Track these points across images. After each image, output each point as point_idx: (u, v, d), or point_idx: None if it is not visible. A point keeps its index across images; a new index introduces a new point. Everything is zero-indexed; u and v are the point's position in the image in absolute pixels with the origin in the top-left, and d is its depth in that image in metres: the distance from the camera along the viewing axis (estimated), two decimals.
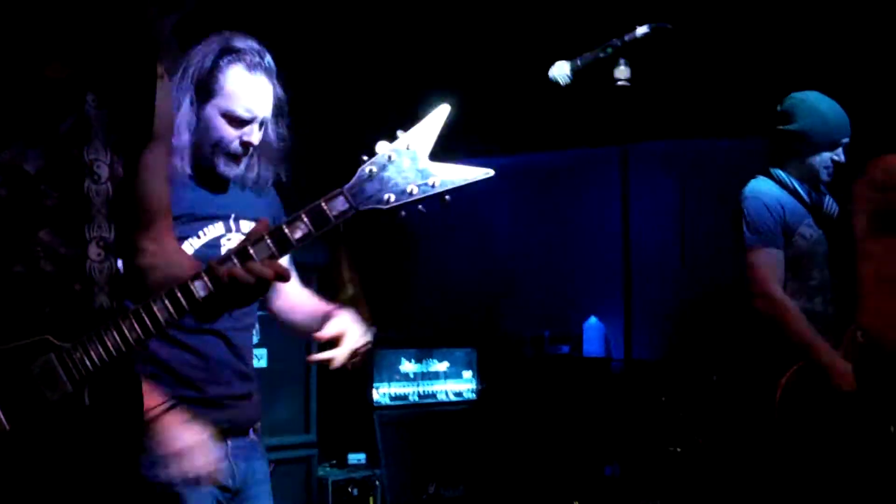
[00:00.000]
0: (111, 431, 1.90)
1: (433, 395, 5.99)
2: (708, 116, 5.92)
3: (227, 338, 2.92)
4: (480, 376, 6.26)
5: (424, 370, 5.97)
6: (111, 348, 1.84)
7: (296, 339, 4.81)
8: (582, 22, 4.97)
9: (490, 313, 7.41)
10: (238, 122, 2.89)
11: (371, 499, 5.32)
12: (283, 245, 1.89)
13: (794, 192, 4.13)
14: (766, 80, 5.28)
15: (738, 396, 4.37)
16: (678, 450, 5.51)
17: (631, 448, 5.36)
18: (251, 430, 3.01)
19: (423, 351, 6.02)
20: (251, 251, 1.88)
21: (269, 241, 1.88)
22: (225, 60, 2.88)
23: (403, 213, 1.94)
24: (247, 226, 3.00)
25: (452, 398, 6.01)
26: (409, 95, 6.82)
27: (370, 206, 1.90)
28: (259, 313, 3.21)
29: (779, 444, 3.90)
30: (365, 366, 5.92)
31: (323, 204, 1.89)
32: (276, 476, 4.16)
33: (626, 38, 3.12)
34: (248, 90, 2.89)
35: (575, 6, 5.60)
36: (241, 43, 2.92)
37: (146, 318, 1.86)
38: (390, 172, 1.91)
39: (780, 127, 4.18)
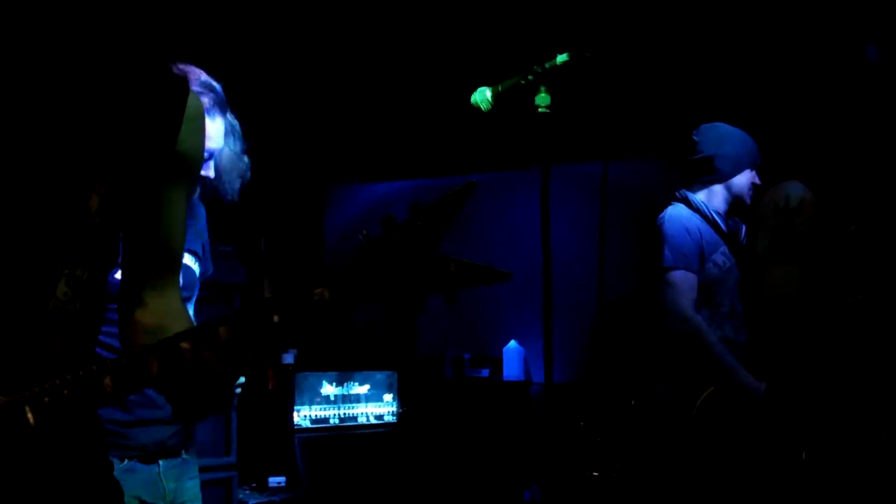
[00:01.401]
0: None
1: (354, 418, 5.99)
2: (626, 139, 6.01)
3: None
4: (401, 399, 6.28)
5: (345, 393, 5.97)
6: (46, 408, 1.59)
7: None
8: (503, 49, 5.04)
9: (410, 336, 7.43)
10: None
11: None
12: (256, 332, 1.57)
13: (710, 220, 4.19)
14: (678, 103, 5.40)
15: (655, 419, 4.43)
16: (595, 474, 5.56)
17: (550, 472, 5.40)
18: (183, 451, 2.99)
19: (343, 374, 6.02)
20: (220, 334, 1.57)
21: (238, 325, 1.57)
22: None
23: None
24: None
25: (373, 421, 6.01)
26: (333, 117, 6.90)
27: (359, 301, 1.59)
28: None
29: (694, 464, 3.96)
30: (285, 388, 5.93)
31: (305, 290, 1.56)
32: None
33: (547, 65, 3.18)
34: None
35: (497, 33, 5.68)
36: (197, 86, 2.89)
37: (92, 386, 1.59)
38: (390, 259, 1.56)
39: (693, 157, 4.27)
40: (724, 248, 4.15)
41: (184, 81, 1.91)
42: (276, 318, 1.54)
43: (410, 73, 6.30)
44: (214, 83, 2.95)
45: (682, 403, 3.97)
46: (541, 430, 6.36)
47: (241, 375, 1.61)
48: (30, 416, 1.58)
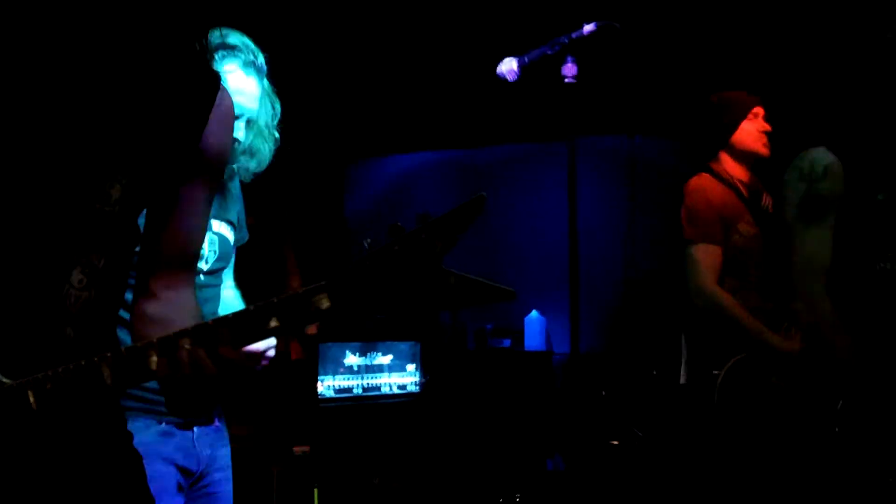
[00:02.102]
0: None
1: (377, 388, 6.01)
2: (654, 113, 5.99)
3: None
4: (424, 369, 6.30)
5: (368, 363, 5.99)
6: (48, 394, 1.60)
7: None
8: (530, 19, 5.01)
9: None
10: None
11: (315, 491, 5.33)
12: (253, 334, 1.58)
13: (733, 188, 4.19)
14: (705, 77, 5.38)
15: (677, 390, 4.43)
16: (616, 443, 5.58)
17: (572, 441, 5.41)
18: (216, 418, 3.02)
19: (367, 344, 6.03)
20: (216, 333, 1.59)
21: (236, 327, 1.58)
22: (219, 55, 2.87)
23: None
24: (217, 225, 3.00)
25: (396, 391, 6.03)
26: (355, 88, 6.87)
27: (357, 311, 1.55)
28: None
29: (717, 436, 3.96)
30: (310, 358, 5.95)
31: (302, 295, 1.54)
32: None
33: (574, 35, 3.17)
34: (238, 86, 2.85)
35: (523, 3, 5.65)
36: (236, 40, 2.89)
37: (92, 377, 1.60)
38: (392, 271, 1.51)
39: (695, 134, 4.30)
40: (747, 217, 4.14)
41: (216, 77, 1.88)
42: (273, 324, 1.54)
43: (434, 42, 6.27)
44: (259, 51, 2.95)
45: (704, 374, 3.97)
46: (563, 399, 6.38)
47: (235, 376, 1.61)
48: (32, 400, 1.59)
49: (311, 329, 5.69)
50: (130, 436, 1.89)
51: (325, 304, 1.51)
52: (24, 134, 1.69)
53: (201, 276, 2.92)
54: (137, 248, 1.89)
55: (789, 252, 3.60)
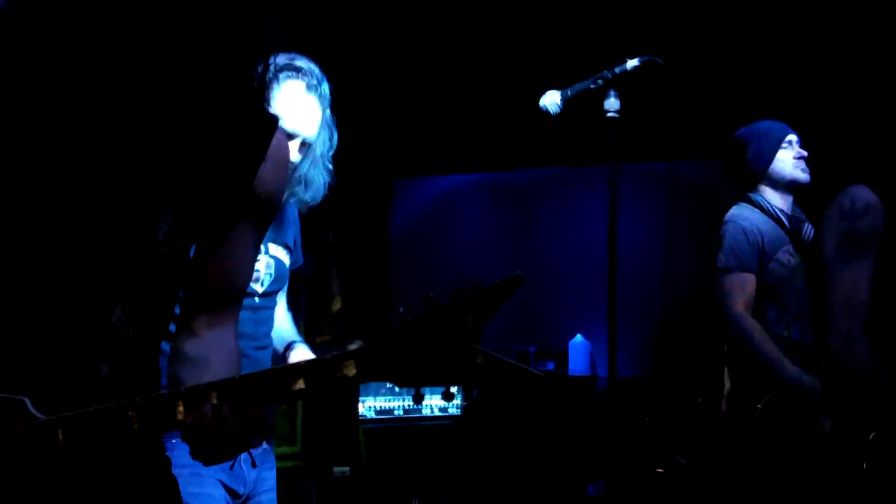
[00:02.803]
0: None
1: (418, 410, 6.01)
2: (694, 139, 5.97)
3: (247, 356, 2.89)
4: (466, 392, 6.28)
5: None
6: (77, 434, 1.61)
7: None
8: (573, 53, 5.03)
9: None
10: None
11: None
12: (279, 395, 1.58)
13: (775, 218, 4.16)
14: (747, 105, 5.36)
15: (719, 419, 4.39)
16: (660, 471, 5.54)
17: (614, 467, 5.38)
18: (264, 441, 3.03)
19: None
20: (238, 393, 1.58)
21: (262, 386, 1.58)
22: (283, 75, 2.89)
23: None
24: (273, 249, 3.03)
25: (437, 413, 6.03)
26: (402, 110, 6.91)
27: (384, 380, 1.55)
28: None
29: (755, 467, 3.93)
30: None
31: (329, 361, 1.55)
32: None
33: (617, 70, 3.17)
34: (298, 107, 2.88)
35: (567, 37, 5.67)
36: (303, 63, 2.93)
37: (120, 421, 1.60)
38: (420, 344, 1.50)
39: (733, 167, 4.29)
40: (788, 247, 4.10)
41: (273, 120, 1.85)
42: (299, 386, 1.55)
43: (480, 68, 6.30)
44: (325, 79, 2.97)
45: (745, 406, 3.94)
46: (606, 425, 6.34)
47: (255, 436, 1.63)
48: (60, 437, 1.60)
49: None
50: (168, 462, 1.88)
51: (352, 371, 1.52)
52: (72, 169, 1.68)
53: (256, 299, 2.95)
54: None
55: (827, 291, 3.56)
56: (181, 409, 1.59)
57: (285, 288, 3.14)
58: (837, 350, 3.50)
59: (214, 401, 1.58)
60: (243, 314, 2.30)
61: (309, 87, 2.91)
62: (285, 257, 3.07)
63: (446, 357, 1.49)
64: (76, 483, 1.68)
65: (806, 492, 3.79)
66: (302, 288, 4.91)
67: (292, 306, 3.29)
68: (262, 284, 2.95)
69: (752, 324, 3.98)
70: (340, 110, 3.12)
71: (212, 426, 1.58)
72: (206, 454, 1.64)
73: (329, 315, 5.64)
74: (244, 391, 1.58)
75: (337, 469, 5.48)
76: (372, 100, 6.46)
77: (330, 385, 1.54)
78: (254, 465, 2.19)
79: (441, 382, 1.54)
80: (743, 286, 4.04)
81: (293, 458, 5.08)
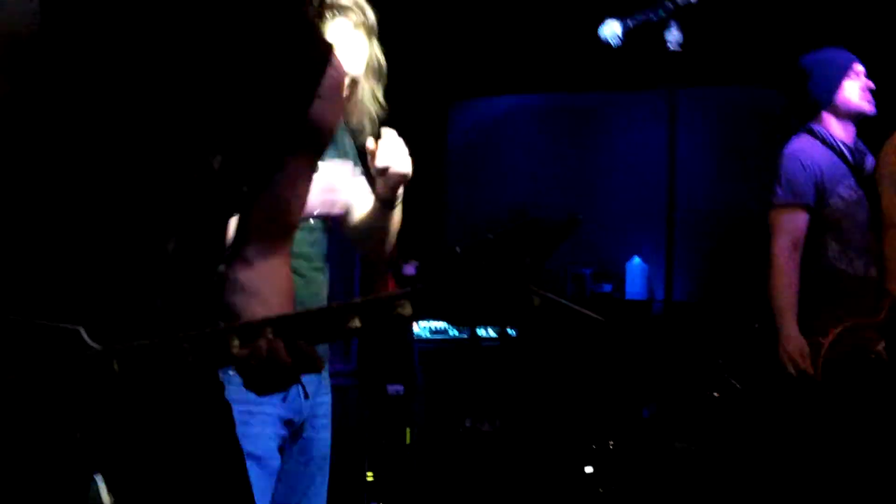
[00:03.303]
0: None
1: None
2: (755, 66, 5.85)
3: (303, 275, 2.91)
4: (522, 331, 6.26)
5: None
6: (132, 363, 1.63)
7: (339, 271, 4.85)
8: None
9: None
10: None
11: (408, 430, 5.39)
12: (333, 332, 1.61)
13: (837, 151, 4.06)
14: (812, 35, 5.23)
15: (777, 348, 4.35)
16: (716, 395, 5.51)
17: (669, 391, 5.37)
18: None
19: None
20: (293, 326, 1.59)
21: (318, 322, 1.59)
22: (329, 14, 2.86)
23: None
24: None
25: (492, 334, 6.03)
26: (457, 30, 6.84)
27: (438, 318, 1.60)
28: None
29: (818, 404, 3.89)
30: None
31: (385, 300, 1.55)
32: None
33: (680, 1, 3.10)
34: (346, 45, 2.85)
35: None
36: (349, 1, 2.90)
37: (174, 354, 1.62)
38: (476, 284, 1.48)
39: (795, 97, 4.18)
40: (850, 181, 4.02)
41: (328, 47, 1.84)
42: (355, 324, 1.55)
43: None
44: (369, 10, 2.93)
45: (808, 340, 3.90)
46: (661, 348, 6.32)
47: (307, 372, 1.63)
48: (116, 367, 1.61)
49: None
50: (222, 386, 1.90)
51: (408, 310, 1.52)
52: (125, 101, 1.67)
53: (311, 220, 2.94)
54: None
55: (885, 236, 3.48)
56: (236, 343, 1.60)
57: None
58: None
59: (270, 336, 1.58)
60: (299, 234, 2.29)
61: (356, 24, 2.89)
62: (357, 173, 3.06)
63: (502, 297, 1.47)
64: (132, 412, 1.70)
65: (870, 436, 3.76)
66: None
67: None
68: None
69: (784, 266, 3.94)
70: (396, 35, 3.09)
71: (266, 361, 1.59)
72: (260, 386, 1.66)
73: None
74: (299, 328, 1.59)
75: (391, 387, 5.51)
76: (428, 19, 6.40)
77: (384, 323, 1.54)
78: (306, 396, 2.21)
79: (497, 323, 1.52)
80: (794, 225, 3.99)
81: (348, 376, 5.09)
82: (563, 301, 1.48)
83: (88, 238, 1.68)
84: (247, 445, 1.94)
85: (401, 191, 2.97)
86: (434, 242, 7.01)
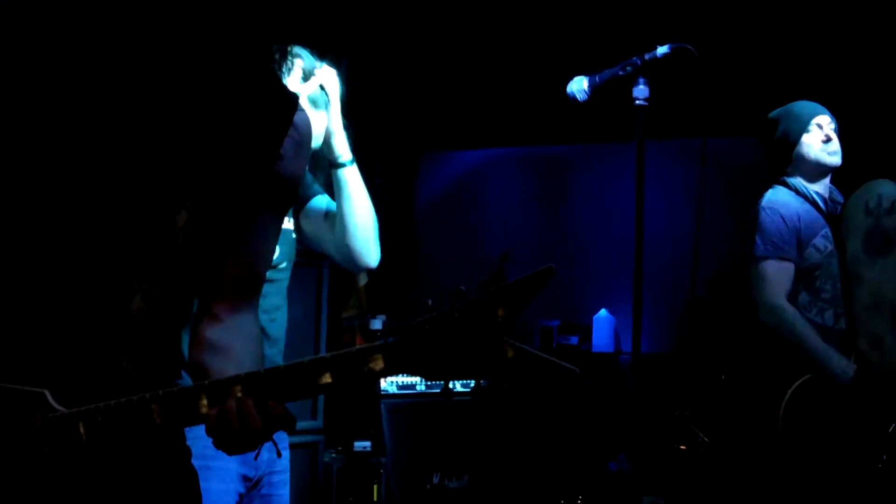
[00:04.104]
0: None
1: (440, 386, 5.97)
2: (725, 116, 5.91)
3: (262, 328, 2.85)
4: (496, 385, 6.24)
5: None
6: (99, 426, 1.59)
7: (304, 328, 4.82)
8: (602, 39, 4.98)
9: None
10: None
11: (375, 486, 5.34)
12: (304, 389, 1.57)
13: (811, 201, 4.07)
14: (777, 86, 5.30)
15: (744, 400, 4.35)
16: (683, 448, 5.51)
17: (636, 444, 5.37)
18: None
19: None
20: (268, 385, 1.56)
21: (288, 379, 1.56)
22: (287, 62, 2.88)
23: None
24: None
25: (459, 389, 6.00)
26: (428, 83, 6.86)
27: (410, 373, 1.52)
28: None
29: (781, 453, 3.88)
30: None
31: (356, 354, 1.53)
32: None
33: (647, 57, 3.11)
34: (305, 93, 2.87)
35: (596, 22, 5.62)
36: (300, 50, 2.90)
37: (142, 414, 1.58)
38: (449, 338, 1.47)
39: (766, 150, 4.22)
40: (825, 231, 4.01)
41: (293, 99, 1.82)
42: (326, 380, 1.53)
43: (510, 44, 6.26)
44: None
45: (773, 391, 3.88)
46: (629, 400, 6.31)
47: (279, 430, 1.61)
48: (82, 431, 1.58)
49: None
50: (188, 452, 1.87)
51: (380, 365, 1.50)
52: (88, 157, 1.65)
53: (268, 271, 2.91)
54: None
55: (852, 290, 3.47)
56: (205, 402, 1.57)
57: (292, 262, 3.09)
58: (865, 350, 3.42)
59: (239, 394, 1.56)
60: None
61: (311, 101, 2.91)
62: (291, 226, 3.05)
63: (476, 351, 1.46)
64: (97, 476, 1.67)
65: (828, 480, 3.75)
66: (324, 263, 4.88)
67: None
68: None
69: (794, 314, 3.91)
70: (369, 84, 3.10)
71: (236, 420, 1.56)
72: (231, 446, 1.62)
73: (354, 291, 5.61)
74: (269, 385, 1.56)
75: (358, 444, 5.47)
76: (400, 74, 6.42)
77: (357, 379, 1.52)
78: (279, 454, 2.18)
79: (470, 376, 1.51)
80: (781, 274, 3.97)
81: (314, 433, 5.05)
82: (537, 352, 1.46)
83: (52, 298, 1.66)
84: (206, 501, 1.91)
85: (342, 141, 2.99)
86: (403, 295, 7.00)
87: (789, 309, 3.92)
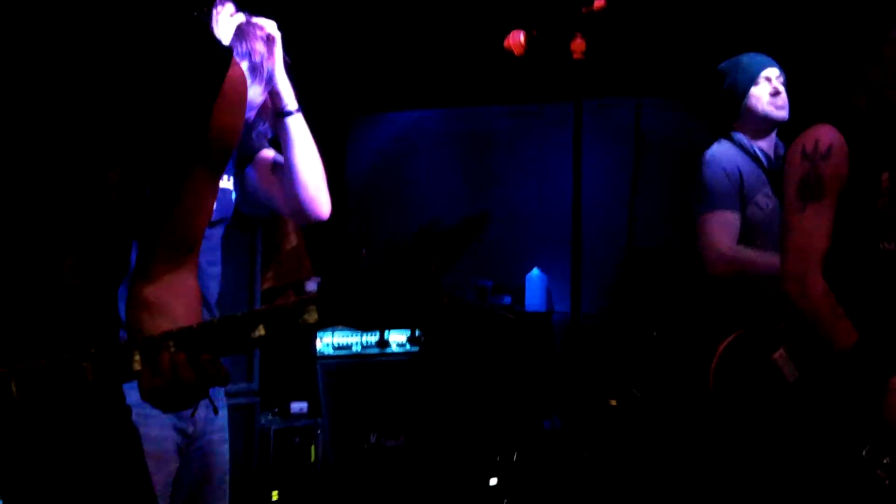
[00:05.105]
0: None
1: (375, 347, 5.99)
2: (662, 76, 5.93)
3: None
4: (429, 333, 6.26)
5: None
6: (32, 384, 1.58)
7: (240, 285, 4.79)
8: None
9: None
10: None
11: (312, 448, 5.34)
12: (238, 343, 1.56)
13: (753, 157, 4.09)
14: (717, 44, 5.31)
15: (676, 355, 4.39)
16: (613, 403, 5.58)
17: (569, 401, 5.41)
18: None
19: None
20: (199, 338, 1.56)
21: (221, 333, 1.55)
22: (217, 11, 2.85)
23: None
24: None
25: (395, 349, 6.01)
26: (357, 44, 6.81)
27: (345, 325, 1.52)
28: None
29: (711, 408, 3.92)
30: None
31: (290, 307, 1.52)
32: None
33: (583, 10, 3.11)
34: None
35: None
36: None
37: (74, 372, 1.57)
38: (383, 288, 1.46)
39: (710, 100, 4.22)
40: (767, 189, 4.04)
41: (225, 54, 1.79)
42: (259, 333, 1.51)
43: (445, 9, 6.22)
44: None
45: (705, 346, 3.91)
46: (561, 359, 6.37)
47: (213, 385, 1.60)
48: (14, 389, 1.57)
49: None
50: (129, 410, 1.86)
51: (314, 317, 1.49)
52: (19, 116, 1.62)
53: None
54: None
55: (783, 233, 3.49)
56: (137, 359, 1.56)
57: (226, 224, 3.07)
58: (792, 292, 3.43)
59: (172, 349, 1.55)
60: None
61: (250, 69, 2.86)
62: (230, 185, 3.03)
63: (410, 300, 1.44)
64: (33, 434, 1.67)
65: (765, 436, 3.79)
66: (258, 228, 4.85)
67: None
68: None
69: (749, 253, 3.92)
70: (298, 44, 3.08)
71: (169, 376, 1.55)
72: (164, 403, 1.61)
73: (282, 253, 5.58)
74: (202, 340, 1.55)
75: (294, 405, 5.46)
76: (328, 34, 6.37)
77: (291, 331, 1.51)
78: (216, 411, 2.17)
79: (405, 326, 1.50)
80: (728, 224, 3.97)
81: (250, 395, 5.03)
82: (472, 301, 1.46)
83: None
84: (145, 445, 1.90)
85: (287, 89, 2.98)
86: (335, 259, 6.97)
87: (744, 250, 3.93)
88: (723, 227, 3.98)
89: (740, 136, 4.13)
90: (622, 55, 5.01)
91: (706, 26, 5.75)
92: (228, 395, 4.83)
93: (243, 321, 1.52)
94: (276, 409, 5.44)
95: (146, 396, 1.61)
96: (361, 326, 1.50)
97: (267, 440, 5.15)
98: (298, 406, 5.47)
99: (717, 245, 3.96)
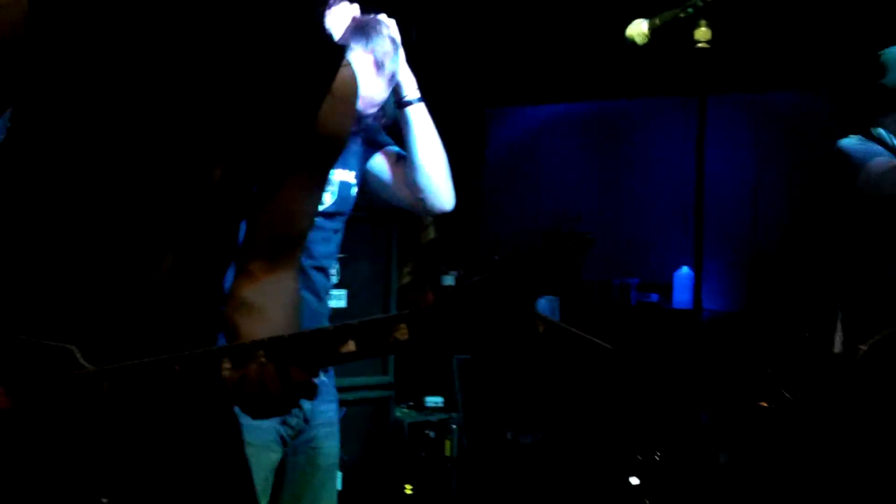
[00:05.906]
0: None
1: None
2: (786, 70, 5.74)
3: (304, 271, 2.85)
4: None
5: None
6: (123, 385, 1.59)
7: (376, 280, 4.83)
8: None
9: None
10: None
11: (447, 442, 5.33)
12: (328, 356, 1.53)
13: (894, 152, 3.89)
14: (844, 36, 5.09)
15: (828, 358, 4.22)
16: (764, 405, 5.43)
17: (718, 400, 5.30)
18: (320, 371, 3.02)
19: None
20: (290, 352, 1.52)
21: (312, 345, 1.52)
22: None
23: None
24: (338, 174, 3.02)
25: None
26: (495, 39, 6.84)
27: (436, 346, 1.44)
28: (340, 256, 3.24)
29: (857, 409, 3.75)
30: None
31: (381, 323, 1.46)
32: (353, 417, 4.20)
33: None
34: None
35: None
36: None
37: (164, 375, 1.57)
38: (478, 310, 1.38)
39: (877, 81, 3.97)
40: None
41: (337, 52, 1.75)
42: (350, 348, 1.47)
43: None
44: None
45: (853, 347, 3.73)
46: (710, 357, 6.24)
47: (301, 398, 1.57)
48: (106, 388, 1.57)
49: None
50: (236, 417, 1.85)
51: (404, 335, 1.41)
52: (119, 111, 1.62)
53: (317, 219, 2.92)
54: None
55: None
56: (227, 365, 1.53)
57: (346, 217, 3.08)
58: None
59: (262, 360, 1.51)
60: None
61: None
62: (352, 179, 3.04)
63: (504, 325, 1.36)
64: (131, 430, 1.66)
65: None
66: (394, 223, 4.88)
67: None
68: (322, 203, 2.91)
69: None
70: (436, 40, 3.10)
71: (257, 388, 1.53)
72: (251, 411, 1.60)
73: (420, 247, 5.61)
74: (292, 351, 1.52)
75: (430, 400, 5.47)
76: (467, 29, 6.40)
77: (381, 348, 1.45)
78: (306, 421, 2.17)
79: (499, 351, 1.43)
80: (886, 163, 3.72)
81: (385, 388, 5.06)
82: (569, 328, 1.37)
83: (84, 254, 1.65)
84: (247, 436, 1.90)
85: (409, 79, 3.00)
86: (471, 252, 6.99)
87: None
88: (886, 166, 3.71)
89: (882, 132, 3.92)
90: (747, 49, 4.88)
91: (833, 17, 5.53)
92: (362, 387, 4.92)
93: (334, 335, 1.48)
94: (411, 403, 5.46)
95: (234, 402, 1.61)
96: (453, 349, 1.49)
97: (401, 434, 5.17)
98: (434, 400, 5.47)
99: (882, 163, 3.70)
